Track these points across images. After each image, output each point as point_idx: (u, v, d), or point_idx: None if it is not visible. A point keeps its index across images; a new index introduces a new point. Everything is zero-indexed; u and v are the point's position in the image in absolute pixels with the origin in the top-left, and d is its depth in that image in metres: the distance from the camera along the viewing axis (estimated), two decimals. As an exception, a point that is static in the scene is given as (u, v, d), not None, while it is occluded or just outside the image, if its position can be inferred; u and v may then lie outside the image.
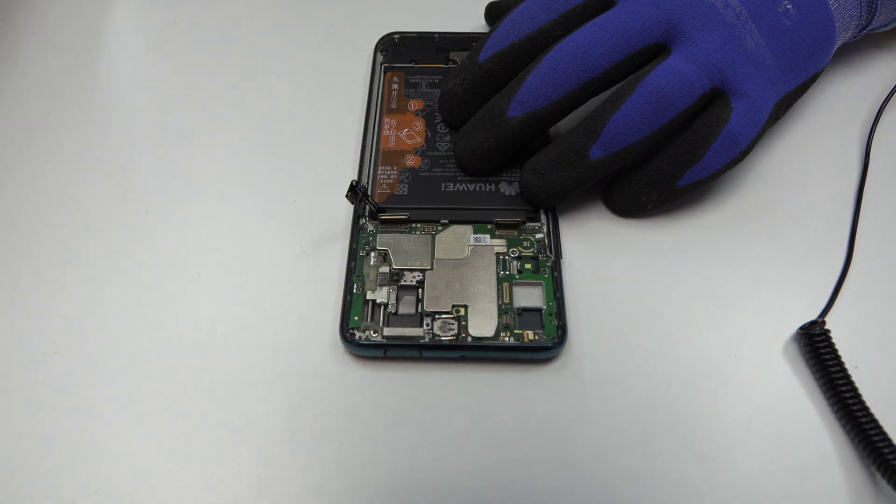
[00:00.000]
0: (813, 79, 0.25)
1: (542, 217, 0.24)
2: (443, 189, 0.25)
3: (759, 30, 0.23)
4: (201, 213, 0.26)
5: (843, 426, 0.21)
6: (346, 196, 0.24)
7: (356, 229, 0.24)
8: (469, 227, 0.24)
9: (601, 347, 0.22)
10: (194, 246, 0.25)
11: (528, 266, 0.23)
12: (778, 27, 0.23)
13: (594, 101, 0.24)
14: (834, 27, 0.25)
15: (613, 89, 0.23)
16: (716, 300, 0.23)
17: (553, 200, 0.24)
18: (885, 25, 0.28)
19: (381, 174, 0.26)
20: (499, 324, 0.22)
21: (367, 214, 0.25)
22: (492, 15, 0.31)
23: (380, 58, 0.30)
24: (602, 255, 0.24)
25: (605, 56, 0.23)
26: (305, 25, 0.32)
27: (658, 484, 0.20)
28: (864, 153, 0.27)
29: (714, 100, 0.23)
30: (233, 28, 0.32)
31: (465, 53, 0.29)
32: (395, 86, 0.29)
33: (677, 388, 0.21)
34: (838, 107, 0.28)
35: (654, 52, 0.23)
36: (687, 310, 0.23)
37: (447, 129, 0.27)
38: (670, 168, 0.23)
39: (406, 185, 0.25)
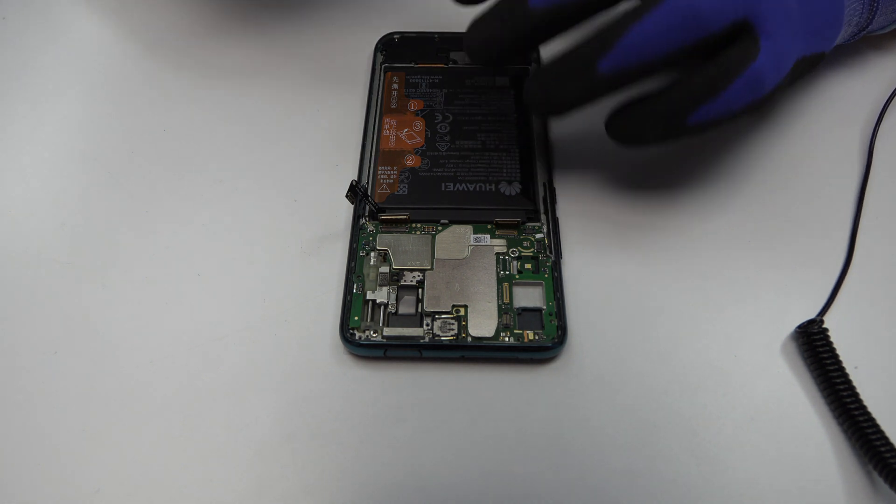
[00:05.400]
0: (819, 57, 0.24)
1: (542, 217, 0.24)
2: (443, 189, 0.25)
3: None
4: (201, 212, 0.26)
5: (841, 425, 0.21)
6: (346, 196, 0.24)
7: (356, 229, 0.24)
8: (469, 227, 0.24)
9: (601, 347, 0.22)
10: (194, 245, 0.25)
11: (528, 266, 0.23)
12: None
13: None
14: (844, 10, 0.24)
15: None
16: (716, 300, 0.23)
17: (552, 113, 0.23)
18: (883, 28, 0.28)
19: (381, 174, 0.26)
20: (499, 324, 0.22)
21: (367, 214, 0.25)
22: None
23: (380, 58, 0.30)
24: (602, 255, 0.24)
25: None
26: (305, 26, 0.32)
27: (658, 484, 0.20)
28: (865, 154, 0.27)
29: (741, 35, 0.21)
30: (233, 28, 0.32)
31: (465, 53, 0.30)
32: (395, 86, 0.29)
33: (677, 388, 0.21)
34: (839, 109, 0.28)
35: None
36: (687, 310, 0.23)
37: (447, 130, 0.27)
38: (683, 101, 0.21)
39: (406, 185, 0.25)
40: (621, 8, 0.22)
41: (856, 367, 0.22)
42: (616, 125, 0.23)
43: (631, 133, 0.23)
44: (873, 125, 0.27)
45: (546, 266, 0.23)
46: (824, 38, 0.23)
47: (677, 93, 0.22)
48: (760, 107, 0.22)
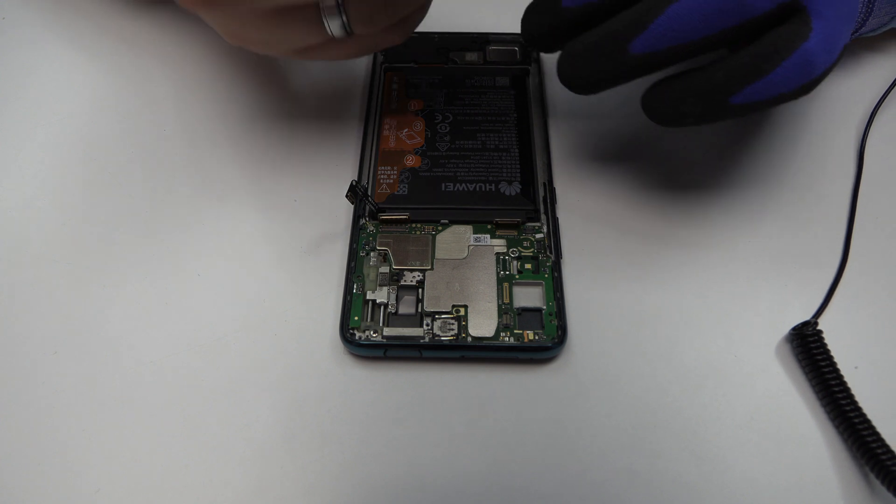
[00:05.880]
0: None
1: (542, 217, 0.25)
2: (443, 189, 0.25)
3: None
4: (201, 213, 0.26)
5: (837, 426, 0.21)
6: (346, 196, 0.24)
7: (356, 229, 0.24)
8: (469, 227, 0.24)
9: (601, 347, 0.22)
10: (194, 246, 0.25)
11: (528, 266, 0.23)
12: None
13: None
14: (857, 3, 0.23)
15: None
16: (715, 300, 0.23)
17: (583, 91, 0.22)
18: (874, 30, 0.28)
19: (381, 174, 0.26)
20: (499, 324, 0.22)
21: (367, 214, 0.25)
22: None
23: (380, 58, 0.30)
24: (602, 255, 0.24)
25: None
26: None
27: (658, 483, 0.20)
28: (859, 154, 0.27)
29: (791, 15, 0.20)
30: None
31: (465, 53, 0.30)
32: (395, 86, 0.29)
33: (677, 388, 0.22)
34: (833, 109, 0.28)
35: None
36: (686, 310, 0.23)
37: (447, 130, 0.27)
38: (727, 80, 0.20)
39: (406, 185, 0.25)
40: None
41: (856, 368, 0.22)
42: (653, 102, 0.22)
43: (669, 111, 0.21)
44: (865, 125, 0.27)
45: (546, 266, 0.23)
46: (853, 26, 0.22)
47: (721, 70, 0.20)
48: (808, 91, 0.21)
